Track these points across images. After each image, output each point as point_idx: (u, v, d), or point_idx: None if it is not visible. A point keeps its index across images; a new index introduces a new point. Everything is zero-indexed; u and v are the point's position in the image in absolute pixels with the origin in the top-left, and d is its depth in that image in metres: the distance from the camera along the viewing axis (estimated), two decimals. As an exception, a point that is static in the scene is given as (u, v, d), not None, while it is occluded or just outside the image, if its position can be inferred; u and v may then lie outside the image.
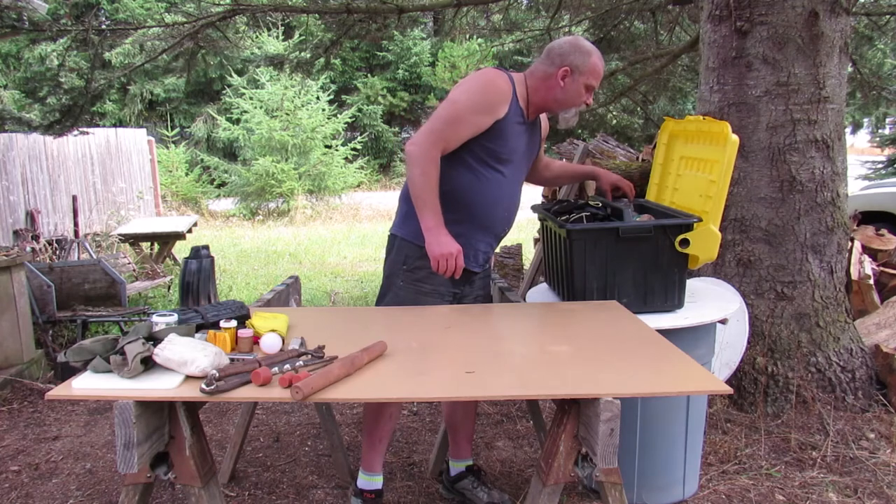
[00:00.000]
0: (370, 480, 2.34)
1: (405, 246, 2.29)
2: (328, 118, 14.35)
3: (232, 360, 1.67)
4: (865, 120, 12.27)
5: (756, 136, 3.13)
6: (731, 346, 2.91)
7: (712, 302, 2.53)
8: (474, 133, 2.16)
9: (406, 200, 2.31)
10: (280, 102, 13.73)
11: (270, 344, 1.76)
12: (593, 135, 6.10)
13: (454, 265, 2.12)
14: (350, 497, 2.45)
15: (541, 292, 2.72)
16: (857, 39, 5.75)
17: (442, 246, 2.11)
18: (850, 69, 4.33)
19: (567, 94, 2.24)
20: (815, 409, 3.04)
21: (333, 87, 16.64)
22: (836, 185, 3.16)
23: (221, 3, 4.83)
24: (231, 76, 14.35)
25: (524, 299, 2.92)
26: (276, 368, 1.60)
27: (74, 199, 8.43)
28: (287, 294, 2.79)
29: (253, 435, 3.17)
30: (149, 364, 1.60)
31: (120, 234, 7.47)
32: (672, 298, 2.41)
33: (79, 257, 6.82)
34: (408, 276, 2.29)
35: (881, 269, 4.07)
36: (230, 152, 16.22)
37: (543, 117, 2.48)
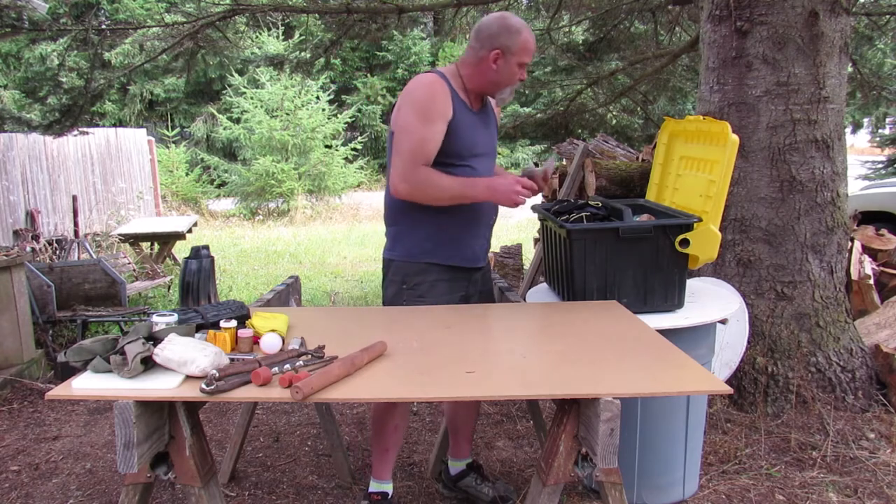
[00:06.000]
0: (378, 486, 2.36)
1: (401, 266, 2.32)
2: (328, 118, 14.35)
3: (232, 360, 1.67)
4: (865, 120, 12.27)
5: (756, 136, 3.13)
6: (731, 346, 2.91)
7: (712, 302, 2.53)
8: (439, 144, 2.17)
9: (393, 223, 2.34)
10: (280, 102, 13.74)
11: (270, 344, 1.76)
12: (593, 135, 6.10)
13: (523, 189, 2.16)
14: (359, 501, 2.47)
15: (541, 292, 2.72)
16: (857, 39, 5.75)
17: (499, 191, 2.16)
18: (850, 69, 4.32)
19: (501, 76, 2.23)
20: (815, 409, 3.04)
21: (333, 87, 16.64)
22: (836, 185, 3.16)
23: (221, 3, 4.83)
24: (232, 75, 14.35)
25: (524, 299, 2.92)
26: (276, 368, 1.60)
27: (74, 199, 8.42)
28: (287, 294, 2.79)
29: (253, 435, 3.17)
30: (149, 364, 1.60)
31: (120, 234, 7.48)
32: (672, 298, 2.41)
33: (79, 257, 6.82)
34: (410, 294, 2.31)
35: (881, 269, 4.07)
36: (230, 152, 16.22)
37: (493, 102, 2.46)
